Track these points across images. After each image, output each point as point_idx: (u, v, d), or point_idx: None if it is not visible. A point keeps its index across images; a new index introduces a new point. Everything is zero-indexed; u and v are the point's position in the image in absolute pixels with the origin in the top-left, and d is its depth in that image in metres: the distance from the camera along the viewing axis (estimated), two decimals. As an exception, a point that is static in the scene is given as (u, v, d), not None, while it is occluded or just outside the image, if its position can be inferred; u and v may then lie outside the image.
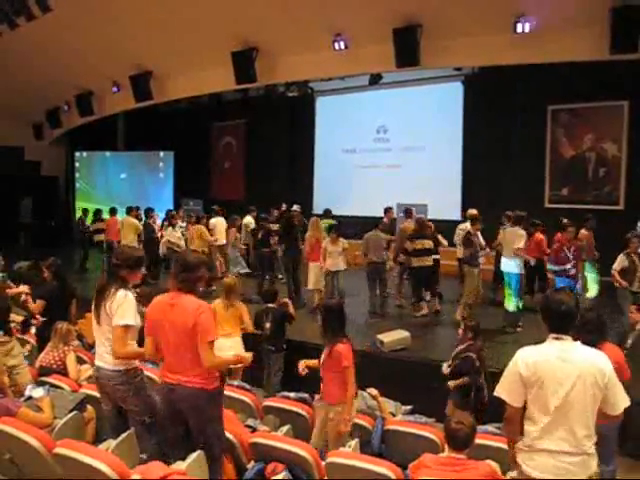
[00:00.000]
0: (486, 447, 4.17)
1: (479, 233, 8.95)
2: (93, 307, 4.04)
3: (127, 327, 3.84)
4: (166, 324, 3.63)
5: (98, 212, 14.73)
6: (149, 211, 12.69)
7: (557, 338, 3.05)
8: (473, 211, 9.77)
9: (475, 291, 8.74)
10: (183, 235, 12.09)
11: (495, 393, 3.16)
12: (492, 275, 10.08)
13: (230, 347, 6.18)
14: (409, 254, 9.34)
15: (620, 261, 7.57)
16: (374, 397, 5.35)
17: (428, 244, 9.16)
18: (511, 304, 8.41)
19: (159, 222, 13.60)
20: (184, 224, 12.79)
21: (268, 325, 7.06)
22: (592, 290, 8.71)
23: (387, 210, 11.16)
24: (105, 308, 3.90)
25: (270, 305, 7.22)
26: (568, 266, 7.97)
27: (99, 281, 4.15)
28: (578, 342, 3.10)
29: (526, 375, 3.00)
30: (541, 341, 3.12)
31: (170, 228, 11.95)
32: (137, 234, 12.14)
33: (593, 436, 2.99)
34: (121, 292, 3.91)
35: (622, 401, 3.02)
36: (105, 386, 4.02)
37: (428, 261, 9.16)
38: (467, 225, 9.40)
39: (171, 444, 3.79)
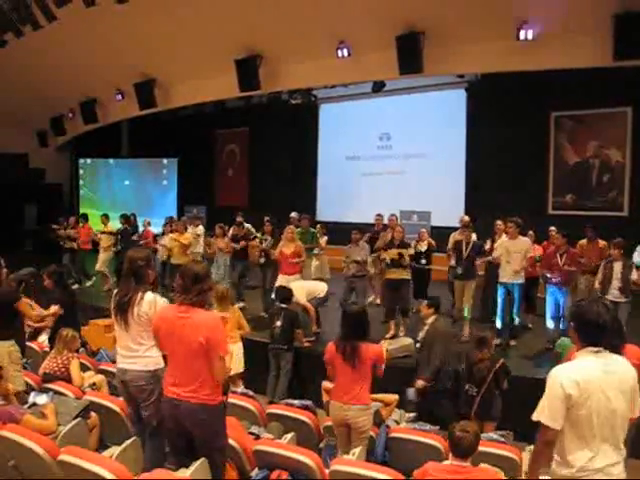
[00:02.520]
0: (490, 455, 4.16)
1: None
2: (117, 312, 4.05)
3: None
4: (175, 338, 3.60)
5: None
6: (125, 217, 12.74)
7: (597, 352, 2.91)
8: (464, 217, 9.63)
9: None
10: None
11: (535, 417, 2.93)
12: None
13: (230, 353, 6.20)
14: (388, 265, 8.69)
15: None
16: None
17: (393, 254, 8.45)
18: (515, 317, 8.13)
19: (152, 230, 13.31)
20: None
21: (279, 324, 7.13)
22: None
23: (377, 217, 10.89)
24: (133, 312, 3.96)
25: (283, 305, 7.32)
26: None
27: (124, 287, 4.11)
28: (610, 352, 2.98)
29: (575, 395, 2.82)
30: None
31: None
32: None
33: (623, 442, 2.94)
34: (149, 295, 4.02)
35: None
36: (130, 387, 4.07)
37: (396, 273, 8.49)
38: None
39: (176, 453, 3.78)
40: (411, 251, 8.75)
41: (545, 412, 2.89)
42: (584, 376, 2.85)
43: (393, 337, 8.31)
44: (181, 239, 10.72)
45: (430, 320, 6.24)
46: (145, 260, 4.15)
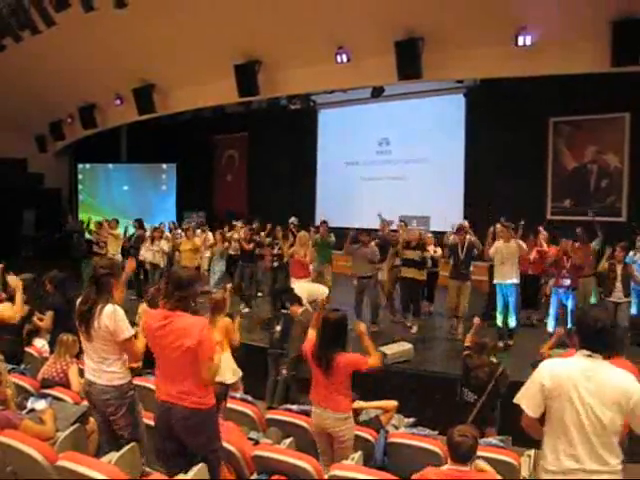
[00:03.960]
0: (489, 459, 4.14)
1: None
2: (81, 323, 3.96)
3: (132, 336, 3.91)
4: (160, 344, 3.60)
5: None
6: (140, 222, 12.84)
7: (588, 355, 2.94)
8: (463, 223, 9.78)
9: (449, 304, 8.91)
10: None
11: (515, 400, 3.10)
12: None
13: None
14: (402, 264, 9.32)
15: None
16: (360, 408, 5.32)
17: (417, 255, 9.06)
18: (513, 318, 8.33)
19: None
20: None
21: (278, 328, 7.13)
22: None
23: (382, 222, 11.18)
24: (94, 325, 3.86)
25: (283, 311, 7.32)
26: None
27: (85, 296, 4.00)
28: (607, 362, 2.99)
29: (549, 387, 2.92)
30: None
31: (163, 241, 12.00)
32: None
33: (616, 456, 2.89)
34: (109, 307, 3.88)
35: None
36: (96, 400, 4.01)
37: (413, 273, 9.06)
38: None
39: (167, 458, 3.77)
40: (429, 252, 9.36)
41: (524, 397, 3.05)
42: (562, 372, 2.94)
43: (410, 329, 9.13)
44: (192, 243, 11.10)
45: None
46: (108, 268, 4.04)
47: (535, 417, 3.00)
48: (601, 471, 2.86)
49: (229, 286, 6.87)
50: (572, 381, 2.89)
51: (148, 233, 12.48)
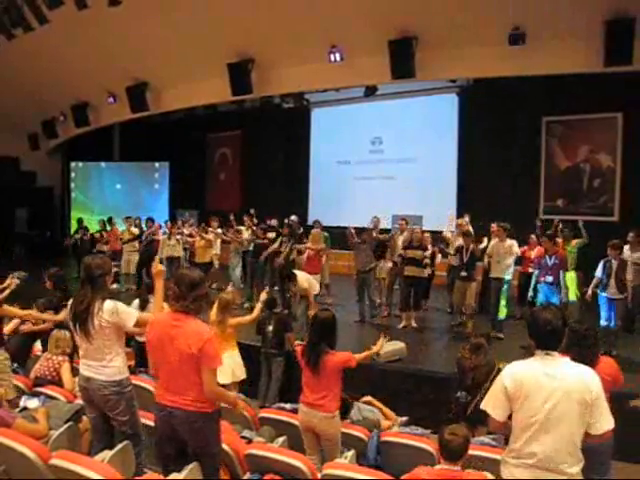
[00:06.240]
0: (482, 459, 4.16)
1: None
2: (76, 323, 3.94)
3: (138, 318, 3.96)
4: (168, 346, 3.54)
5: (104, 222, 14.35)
6: (152, 221, 12.83)
7: (546, 354, 3.03)
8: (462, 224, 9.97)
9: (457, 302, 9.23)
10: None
11: (481, 406, 3.21)
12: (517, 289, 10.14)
13: (227, 363, 6.16)
14: (404, 262, 9.54)
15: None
16: (369, 402, 5.36)
17: (418, 254, 9.32)
18: (504, 311, 8.79)
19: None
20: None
21: (270, 329, 7.13)
22: (572, 293, 8.90)
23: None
24: (94, 323, 3.86)
25: (273, 311, 7.36)
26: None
27: (80, 296, 3.97)
28: (566, 358, 3.13)
29: (511, 389, 3.02)
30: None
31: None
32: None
33: (578, 456, 2.97)
34: (108, 302, 3.91)
35: (606, 423, 2.98)
36: (95, 396, 3.99)
37: (415, 271, 9.34)
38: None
39: (168, 460, 3.73)
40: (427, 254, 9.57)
41: (489, 402, 3.16)
42: (523, 373, 3.04)
43: (405, 327, 9.30)
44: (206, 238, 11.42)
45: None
46: (102, 267, 4.03)
47: (502, 421, 3.10)
48: (553, 470, 2.95)
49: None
50: (535, 382, 2.98)
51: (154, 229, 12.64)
